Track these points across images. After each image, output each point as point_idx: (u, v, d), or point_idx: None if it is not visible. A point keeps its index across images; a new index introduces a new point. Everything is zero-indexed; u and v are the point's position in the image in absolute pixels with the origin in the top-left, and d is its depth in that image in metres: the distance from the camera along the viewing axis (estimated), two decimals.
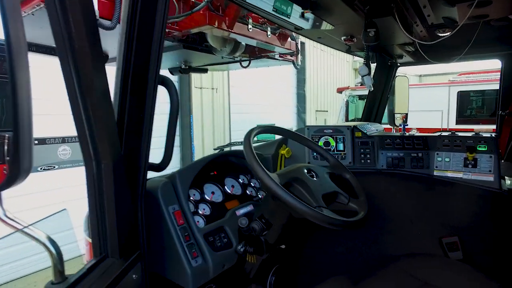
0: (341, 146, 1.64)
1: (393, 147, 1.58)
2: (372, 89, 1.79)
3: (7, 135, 0.65)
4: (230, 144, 1.84)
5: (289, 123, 9.66)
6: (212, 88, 7.05)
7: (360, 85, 7.16)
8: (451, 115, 6.17)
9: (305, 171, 1.19)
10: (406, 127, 2.98)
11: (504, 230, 1.33)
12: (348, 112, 7.36)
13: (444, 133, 1.54)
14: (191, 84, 6.44)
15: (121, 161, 0.92)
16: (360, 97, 6.95)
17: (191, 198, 1.26)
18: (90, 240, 1.15)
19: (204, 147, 6.82)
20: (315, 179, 1.17)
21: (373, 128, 1.86)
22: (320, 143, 1.65)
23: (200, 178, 1.35)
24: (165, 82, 1.02)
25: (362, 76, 1.58)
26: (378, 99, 2.63)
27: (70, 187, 3.99)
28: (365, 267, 1.49)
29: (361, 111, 2.57)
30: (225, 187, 1.41)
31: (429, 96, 6.35)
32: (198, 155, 6.65)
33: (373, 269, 1.32)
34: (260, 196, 1.51)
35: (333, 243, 1.63)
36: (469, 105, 6.18)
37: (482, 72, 6.30)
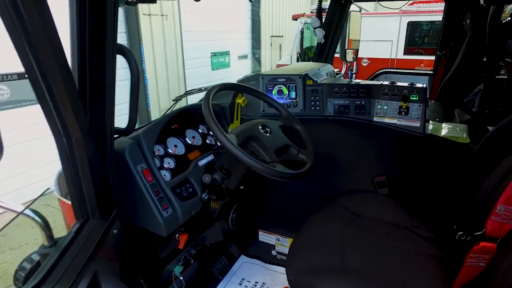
0: (293, 94, 1.76)
1: (340, 95, 1.73)
2: (323, 41, 1.85)
3: None
4: (187, 93, 1.87)
5: (244, 49, 9.47)
6: (162, 15, 6.57)
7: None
8: (400, 45, 6.40)
9: (260, 128, 1.31)
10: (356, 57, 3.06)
11: (421, 170, 1.61)
12: (303, 40, 7.32)
13: (385, 83, 1.70)
14: (138, 11, 5.94)
15: (89, 133, 0.98)
16: None
17: (156, 153, 1.35)
18: (66, 201, 1.24)
19: (157, 78, 6.61)
20: (268, 134, 1.31)
21: (323, 74, 1.98)
22: (274, 91, 1.76)
23: (163, 133, 1.42)
24: (123, 52, 1.03)
25: (314, 28, 1.64)
26: (331, 37, 2.70)
27: (12, 130, 3.80)
28: (314, 203, 1.75)
29: (316, 39, 2.59)
30: (186, 139, 1.51)
31: (381, 26, 6.46)
32: (151, 86, 6.47)
33: (319, 205, 1.57)
34: (219, 144, 1.63)
35: (287, 183, 1.86)
36: (417, 36, 6.40)
37: (434, 1, 6.41)
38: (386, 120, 1.67)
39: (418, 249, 1.23)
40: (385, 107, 1.67)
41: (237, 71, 8.89)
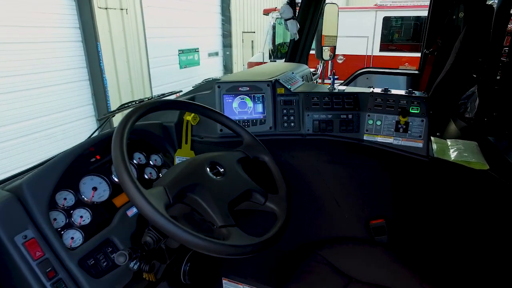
0: (260, 107, 1.36)
1: (320, 107, 1.35)
2: (298, 37, 1.47)
3: None
4: (122, 107, 1.42)
5: (214, 46, 9.03)
6: (121, 9, 5.98)
7: None
8: (376, 41, 6.15)
9: (207, 168, 0.90)
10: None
11: (429, 209, 1.25)
12: (275, 36, 6.96)
13: (376, 90, 1.34)
14: (92, 3, 5.33)
15: None
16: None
17: (61, 205, 0.92)
18: None
19: (118, 79, 6.04)
20: (220, 178, 0.90)
21: (298, 78, 1.60)
22: (235, 104, 1.36)
23: (74, 172, 0.99)
24: None
25: (285, 20, 1.24)
26: (305, 32, 2.33)
27: None
28: (288, 258, 1.34)
29: (289, 35, 2.25)
30: (112, 175, 1.08)
31: (355, 21, 6.18)
32: (112, 88, 5.90)
33: (296, 262, 1.18)
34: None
35: (255, 229, 1.46)
36: (393, 32, 6.18)
37: None
38: (380, 139, 1.31)
39: None
40: (378, 123, 1.31)
41: (207, 69, 8.44)
